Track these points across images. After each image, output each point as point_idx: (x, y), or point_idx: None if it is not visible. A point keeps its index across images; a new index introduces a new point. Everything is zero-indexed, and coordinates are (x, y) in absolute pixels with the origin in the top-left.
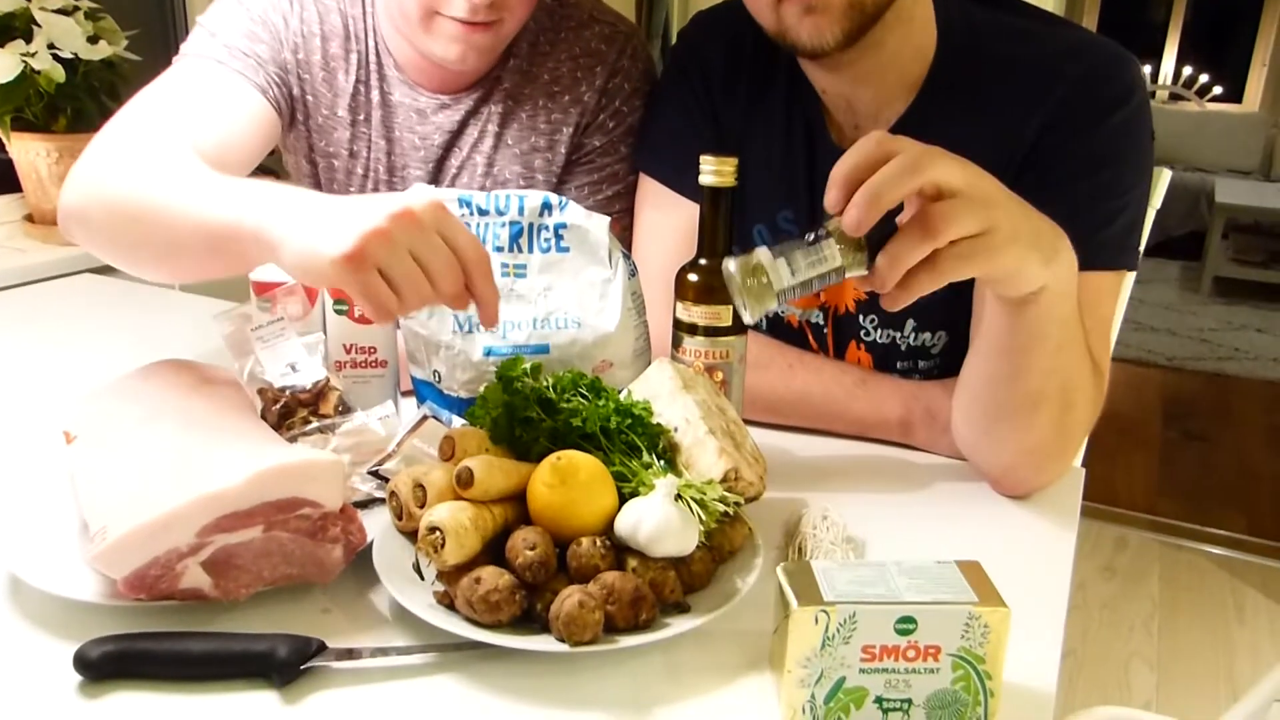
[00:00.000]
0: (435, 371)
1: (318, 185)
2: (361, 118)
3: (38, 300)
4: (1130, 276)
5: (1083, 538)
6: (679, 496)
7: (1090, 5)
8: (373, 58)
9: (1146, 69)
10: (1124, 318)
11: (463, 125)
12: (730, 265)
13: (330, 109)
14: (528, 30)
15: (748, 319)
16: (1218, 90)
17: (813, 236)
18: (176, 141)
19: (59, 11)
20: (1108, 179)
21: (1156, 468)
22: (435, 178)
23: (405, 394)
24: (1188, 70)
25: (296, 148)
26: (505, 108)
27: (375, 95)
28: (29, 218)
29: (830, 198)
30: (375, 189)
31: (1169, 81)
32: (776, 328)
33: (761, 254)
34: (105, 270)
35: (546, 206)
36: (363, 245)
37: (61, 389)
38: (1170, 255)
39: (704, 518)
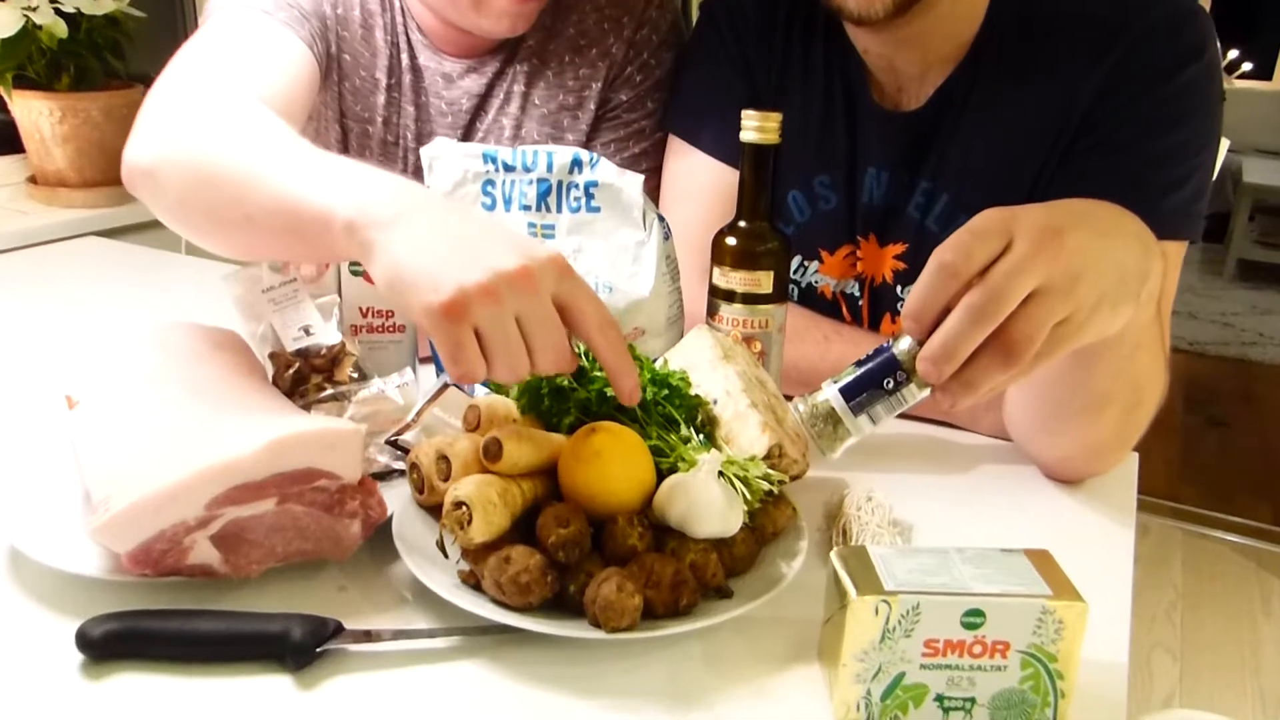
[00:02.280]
0: None
1: (345, 152)
2: (393, 82)
3: (41, 264)
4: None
5: None
6: (721, 473)
7: None
8: (399, 20)
9: None
10: None
11: (490, 88)
12: (801, 408)
13: (369, 71)
14: None
15: (826, 456)
16: (1247, 67)
17: (892, 383)
18: (248, 97)
19: None
20: (1176, 141)
21: (1178, 454)
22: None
23: (424, 361)
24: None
25: (324, 113)
26: (531, 67)
27: (405, 59)
28: (32, 179)
29: (909, 329)
30: (404, 158)
31: None
32: (809, 299)
33: (837, 405)
34: (110, 232)
35: (576, 164)
36: (461, 301)
37: (65, 354)
38: (1196, 240)
39: (748, 496)
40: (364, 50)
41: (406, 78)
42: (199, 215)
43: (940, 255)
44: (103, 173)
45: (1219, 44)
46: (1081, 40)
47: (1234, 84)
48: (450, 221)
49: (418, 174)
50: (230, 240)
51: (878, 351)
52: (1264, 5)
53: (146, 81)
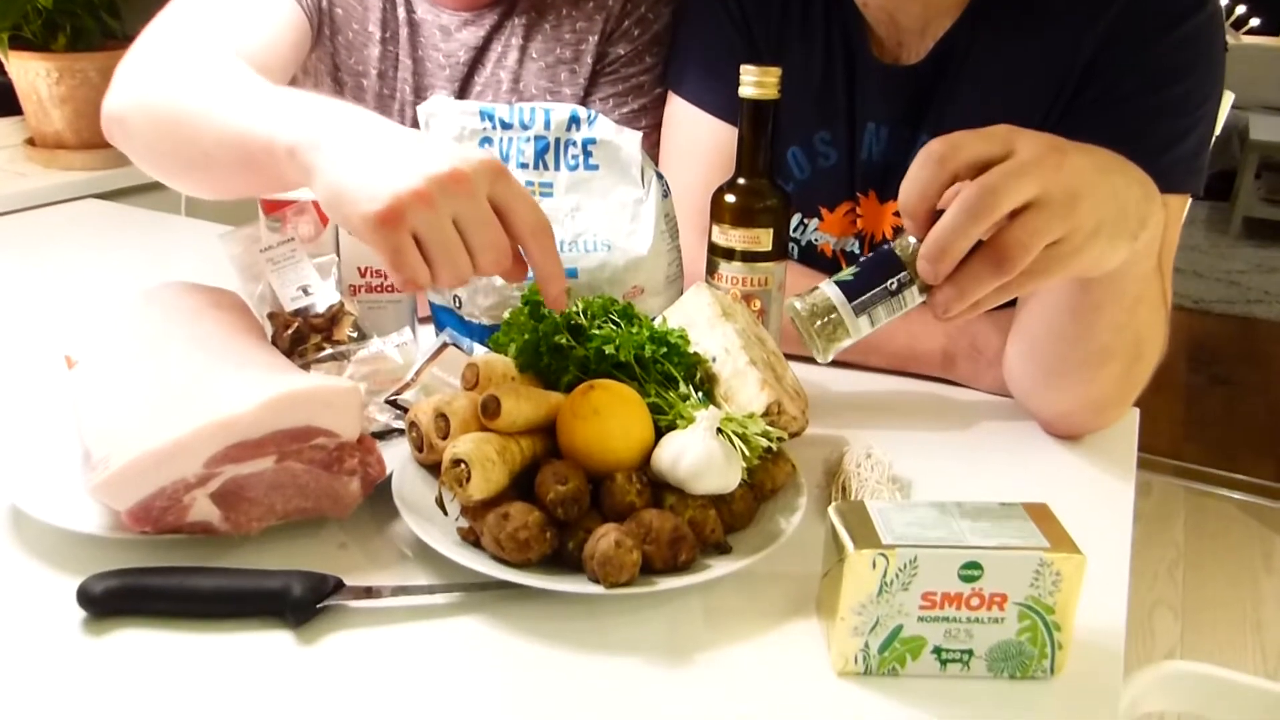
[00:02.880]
0: (455, 297)
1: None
2: (389, 35)
3: (40, 226)
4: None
5: None
6: (720, 430)
7: None
8: None
9: None
10: None
11: (488, 41)
12: (798, 305)
13: (361, 24)
14: None
15: (819, 359)
16: (1255, 22)
17: (895, 284)
18: (218, 46)
19: None
20: (1177, 94)
21: (1182, 412)
22: (461, 98)
23: (423, 320)
24: (1224, 1)
25: (319, 69)
26: (529, 19)
27: (401, 12)
28: (30, 141)
29: (907, 226)
30: (401, 111)
31: None
32: (809, 257)
33: (838, 302)
34: (109, 195)
35: (574, 120)
36: (397, 207)
37: (64, 315)
38: (1197, 195)
39: (747, 453)
40: (356, 4)
41: (403, 31)
42: (166, 158)
43: (929, 145)
44: (100, 134)
45: None
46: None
47: (1241, 40)
48: (386, 137)
49: (416, 128)
50: (197, 180)
51: (878, 251)
52: None
53: None
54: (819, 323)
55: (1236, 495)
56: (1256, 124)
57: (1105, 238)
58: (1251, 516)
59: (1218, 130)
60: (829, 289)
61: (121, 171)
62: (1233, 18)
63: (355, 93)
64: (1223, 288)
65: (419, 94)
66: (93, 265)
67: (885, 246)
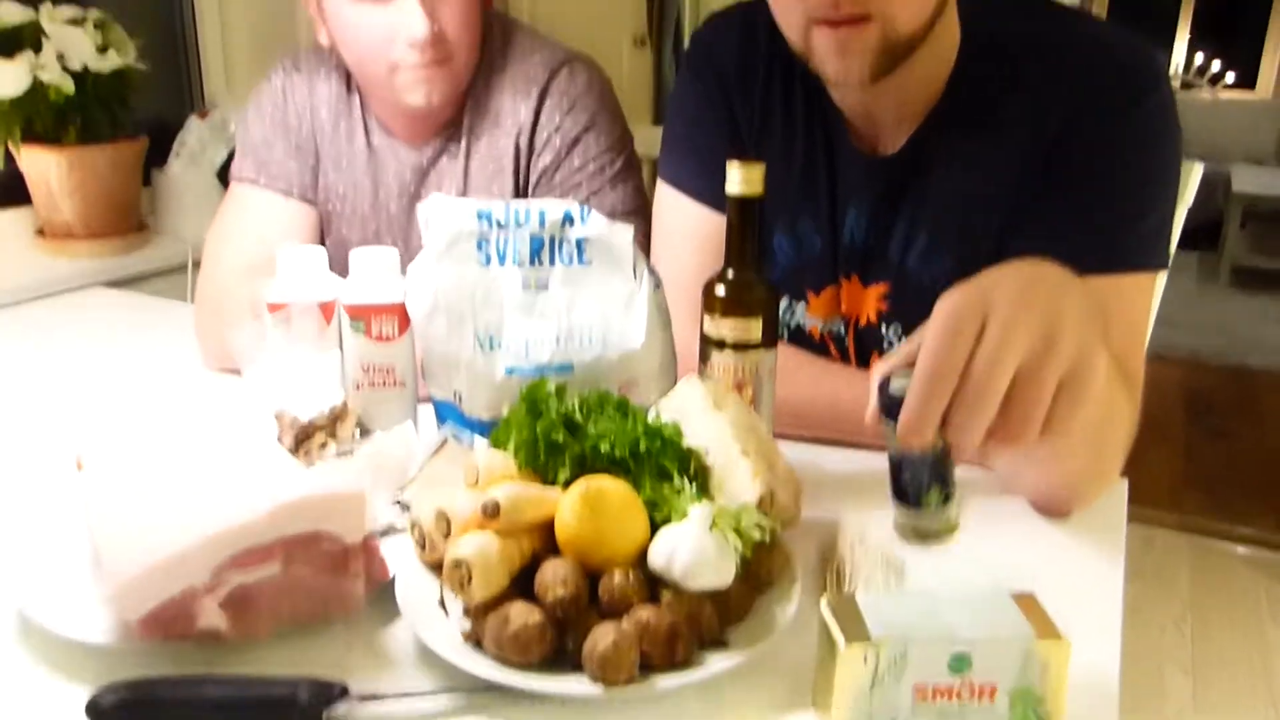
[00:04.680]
0: (456, 391)
1: (325, 224)
2: (345, 165)
3: (50, 315)
4: (1162, 276)
5: None
6: (714, 524)
7: None
8: (357, 114)
9: None
10: None
11: (433, 162)
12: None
13: (322, 159)
14: (482, 69)
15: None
16: (1230, 78)
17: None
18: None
19: (68, 23)
20: (1136, 174)
21: (1180, 465)
22: (410, 212)
23: (422, 400)
24: (1199, 58)
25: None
26: (468, 142)
27: (359, 142)
28: (40, 231)
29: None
30: (363, 225)
31: (1180, 70)
32: (798, 339)
33: (917, 520)
34: (117, 283)
35: (568, 219)
36: None
37: (75, 409)
38: (1187, 246)
39: (739, 545)
40: (329, 147)
41: (360, 158)
42: None
43: (929, 359)
44: (109, 224)
45: (1202, 57)
46: (1042, 82)
47: (1219, 95)
48: None
49: (380, 239)
50: None
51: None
52: (1244, 17)
53: (152, 132)
54: (928, 539)
55: (1239, 548)
56: (1239, 176)
57: (1095, 341)
58: (1255, 568)
59: (1194, 189)
60: (902, 517)
61: (128, 259)
62: (1209, 74)
63: (325, 216)
64: (1215, 338)
65: (375, 210)
66: (101, 355)
67: (894, 458)
